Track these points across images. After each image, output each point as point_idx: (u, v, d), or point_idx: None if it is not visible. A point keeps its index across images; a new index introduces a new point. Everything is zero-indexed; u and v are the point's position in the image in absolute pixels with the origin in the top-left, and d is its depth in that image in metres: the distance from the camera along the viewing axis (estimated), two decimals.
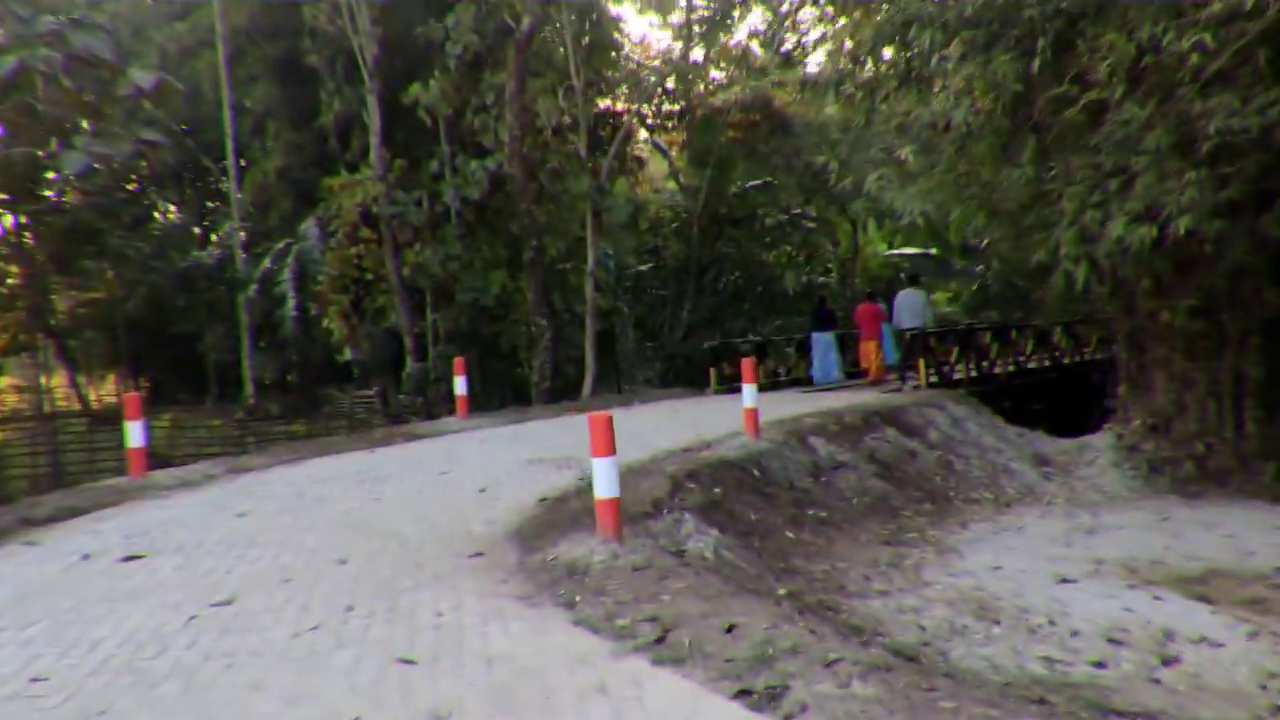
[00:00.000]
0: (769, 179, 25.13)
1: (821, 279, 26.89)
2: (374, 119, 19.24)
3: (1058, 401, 17.98)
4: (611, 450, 6.50)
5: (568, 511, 7.85)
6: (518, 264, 20.18)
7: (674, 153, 28.70)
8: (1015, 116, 10.59)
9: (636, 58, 25.45)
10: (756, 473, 10.10)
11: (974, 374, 17.32)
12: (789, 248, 26.04)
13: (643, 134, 27.02)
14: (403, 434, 13.65)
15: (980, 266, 35.32)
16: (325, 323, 20.62)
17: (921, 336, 16.75)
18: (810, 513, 9.71)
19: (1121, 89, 8.77)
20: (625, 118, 22.04)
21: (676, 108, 29.72)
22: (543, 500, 8.44)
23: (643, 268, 24.58)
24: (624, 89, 24.63)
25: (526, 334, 19.67)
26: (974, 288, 30.83)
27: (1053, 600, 6.84)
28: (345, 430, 18.41)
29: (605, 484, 6.45)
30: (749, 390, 11.12)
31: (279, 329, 22.35)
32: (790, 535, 8.76)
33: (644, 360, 24.05)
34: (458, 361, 14.79)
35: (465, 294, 18.93)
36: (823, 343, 20.05)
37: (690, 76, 24.48)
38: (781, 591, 6.22)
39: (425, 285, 19.29)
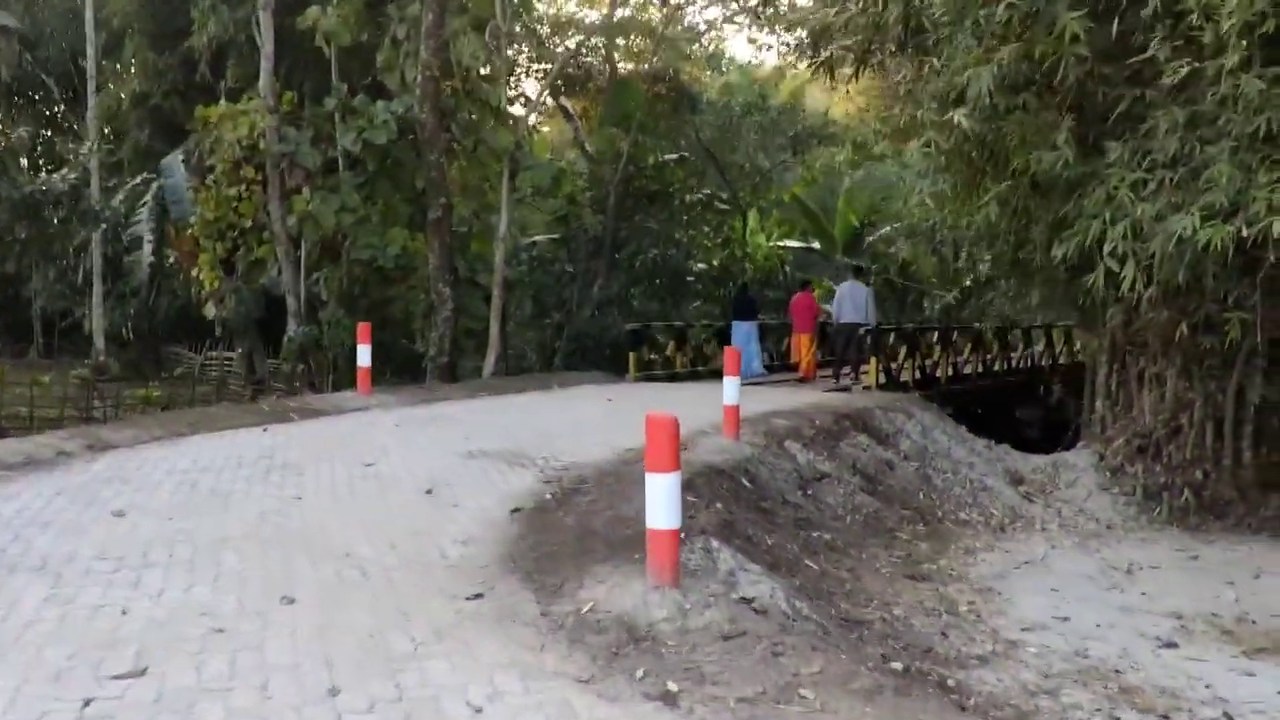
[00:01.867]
0: (684, 154, 23.76)
1: (747, 265, 25.71)
2: (266, 39, 16.84)
3: (1006, 410, 17.24)
4: (675, 464, 4.91)
5: (561, 531, 6.23)
6: (419, 223, 18.15)
7: (581, 119, 27.03)
8: (1052, 89, 9.40)
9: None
10: (748, 484, 8.66)
11: (919, 377, 16.35)
12: (706, 229, 24.73)
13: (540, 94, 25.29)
14: (295, 409, 11.61)
15: (859, 263, 34.98)
16: (195, 272, 18.09)
17: (876, 334, 15.64)
18: (815, 535, 8.33)
19: (1238, 57, 7.65)
20: (548, 71, 20.18)
21: (593, 68, 28.13)
22: (516, 511, 6.80)
23: (538, 237, 22.78)
24: (544, 41, 22.84)
25: (426, 302, 17.67)
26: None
27: (1187, 677, 5.64)
28: (213, 399, 16.06)
29: (665, 509, 4.85)
30: (731, 384, 9.66)
31: (129, 276, 19.60)
32: (811, 565, 7.34)
33: (545, 339, 22.33)
34: (362, 328, 12.81)
35: (361, 251, 16.80)
36: (743, 332, 18.81)
37: (611, 38, 22.86)
38: (897, 666, 4.76)
39: (313, 238, 17.06)
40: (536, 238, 22.95)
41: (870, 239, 36.92)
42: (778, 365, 19.92)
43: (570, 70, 23.61)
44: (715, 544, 6.24)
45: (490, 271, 19.41)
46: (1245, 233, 7.84)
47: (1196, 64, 8.06)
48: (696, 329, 19.54)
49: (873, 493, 10.19)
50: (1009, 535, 10.16)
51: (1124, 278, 8.94)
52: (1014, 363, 19.75)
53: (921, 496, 10.79)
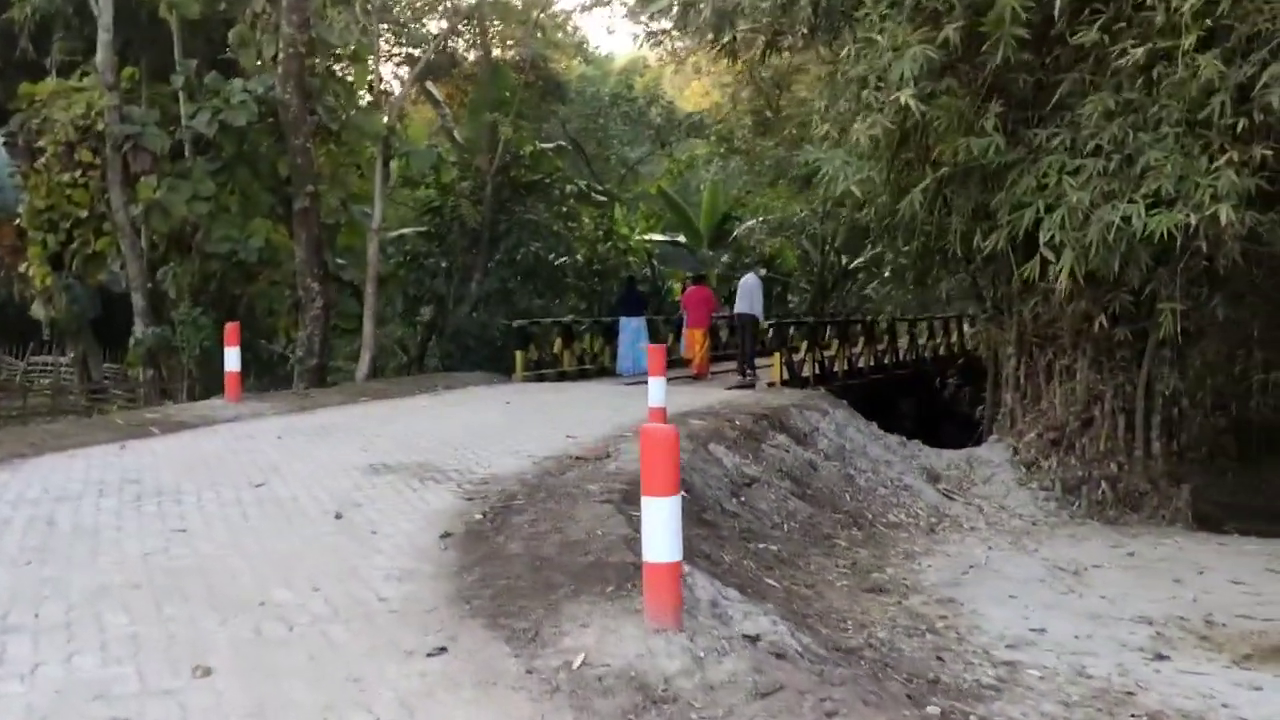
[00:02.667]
0: (562, 143, 22.99)
1: (631, 259, 25.06)
2: (104, 9, 15.17)
3: (902, 402, 17.14)
4: (674, 487, 4.19)
5: (509, 560, 5.45)
6: (282, 214, 16.80)
7: (448, 106, 25.90)
8: (972, 75, 9.10)
9: None
10: (684, 493, 7.97)
11: (818, 372, 16.06)
12: (587, 221, 23.97)
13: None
14: (155, 422, 10.34)
15: (725, 256, 34.86)
16: (25, 267, 16.22)
17: (780, 328, 15.25)
18: (761, 546, 7.77)
19: (1191, 39, 7.43)
20: (421, 53, 19.06)
21: (457, 53, 27.03)
22: (447, 536, 5.97)
23: (406, 230, 21.58)
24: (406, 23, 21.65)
25: (292, 299, 16.36)
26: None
27: (1198, 694, 5.29)
28: (49, 411, 14.39)
29: (665, 539, 4.13)
30: (657, 385, 8.98)
31: None
32: (772, 584, 6.77)
33: (418, 338, 21.18)
34: (230, 328, 11.59)
35: (218, 244, 15.35)
36: (631, 329, 18.24)
37: (485, 22, 21.88)
38: (934, 711, 4.18)
39: (161, 230, 15.51)
40: (404, 230, 21.75)
41: (736, 232, 36.99)
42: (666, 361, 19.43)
43: (435, 55, 22.45)
44: (686, 568, 5.56)
45: (360, 266, 18.20)
46: (1193, 221, 7.65)
47: (1148, 46, 7.81)
48: (584, 326, 18.80)
49: (802, 496, 9.72)
50: (941, 537, 9.85)
51: (1060, 267, 8.69)
52: (901, 355, 19.78)
53: (849, 498, 10.38)
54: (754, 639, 4.44)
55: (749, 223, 35.78)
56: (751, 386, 14.94)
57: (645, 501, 4.18)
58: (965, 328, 24.35)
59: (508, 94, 21.35)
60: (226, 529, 6.02)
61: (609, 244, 23.39)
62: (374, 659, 4.01)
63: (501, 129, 19.19)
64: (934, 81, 9.49)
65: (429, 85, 25.16)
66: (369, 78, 17.93)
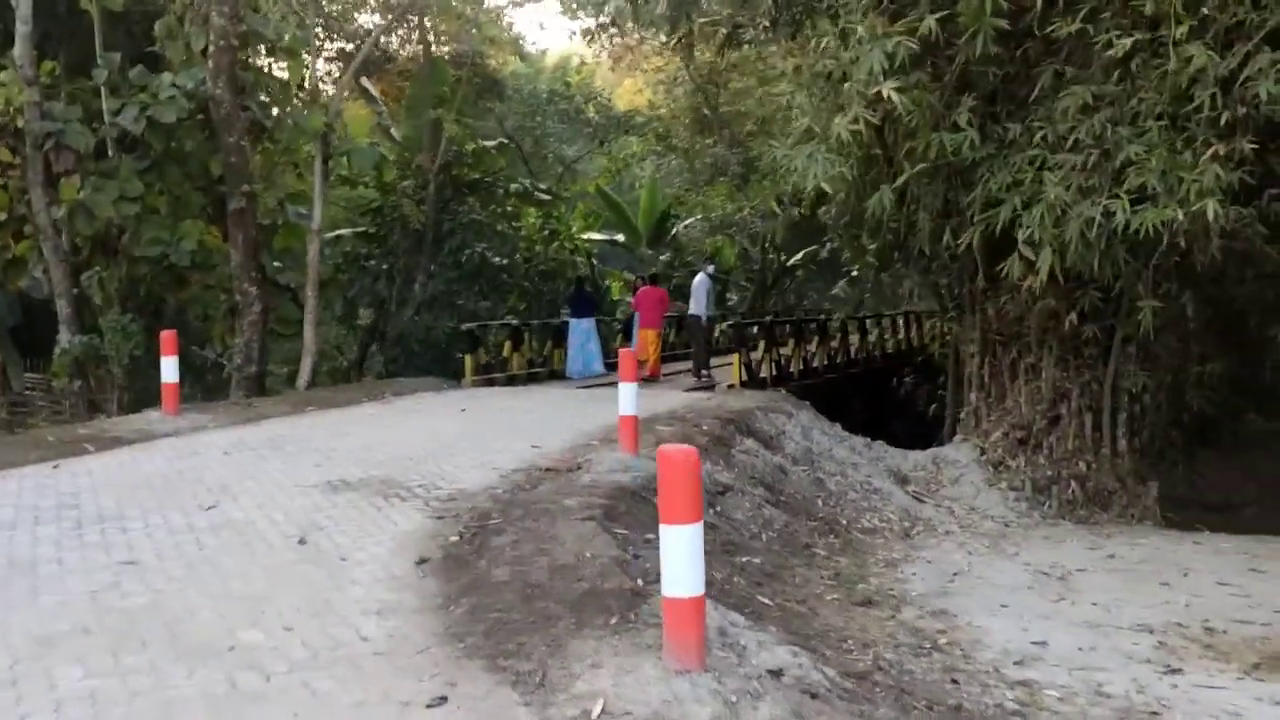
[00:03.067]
0: (503, 140, 22.49)
1: (578, 260, 24.59)
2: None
3: (858, 402, 16.98)
4: (697, 513, 3.85)
5: (497, 589, 5.10)
6: (215, 215, 16.09)
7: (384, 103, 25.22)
8: (952, 68, 8.90)
9: None
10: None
11: (775, 372, 15.83)
12: (532, 220, 23.47)
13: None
14: (89, 438, 9.72)
15: (663, 255, 34.57)
16: None
17: (740, 327, 14.97)
18: (744, 559, 7.45)
19: (1184, 29, 7.28)
20: (355, 48, 18.43)
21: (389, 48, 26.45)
22: (424, 563, 5.57)
23: (343, 231, 20.89)
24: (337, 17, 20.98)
25: (228, 303, 15.67)
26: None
27: (1224, 713, 5.11)
28: None
29: (687, 571, 3.79)
30: (627, 391, 8.61)
31: None
32: (766, 601, 6.47)
33: (358, 342, 20.54)
34: (166, 336, 10.95)
35: (148, 247, 14.60)
36: (581, 331, 17.87)
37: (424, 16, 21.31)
38: None
39: (86, 232, 14.71)
40: (341, 231, 21.05)
41: (675, 230, 36.78)
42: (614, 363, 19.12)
43: (372, 50, 21.83)
44: None
45: (298, 269, 17.56)
46: (1180, 216, 7.52)
47: (1135, 36, 7.65)
48: (533, 328, 18.35)
49: (777, 504, 9.45)
50: (918, 542, 9.66)
51: (1039, 264, 8.53)
52: (854, 354, 19.66)
53: (821, 504, 10.14)
54: (777, 674, 4.12)
55: (687, 221, 35.63)
56: (711, 388, 14.67)
57: (665, 531, 3.83)
58: (917, 325, 24.46)
59: (446, 90, 20.79)
60: (181, 560, 5.54)
61: (555, 244, 22.93)
62: (366, 713, 3.61)
63: (446, 125, 18.65)
64: (904, 76, 9.26)
65: (365, 82, 24.48)
66: (304, 73, 17.26)
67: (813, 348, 17.53)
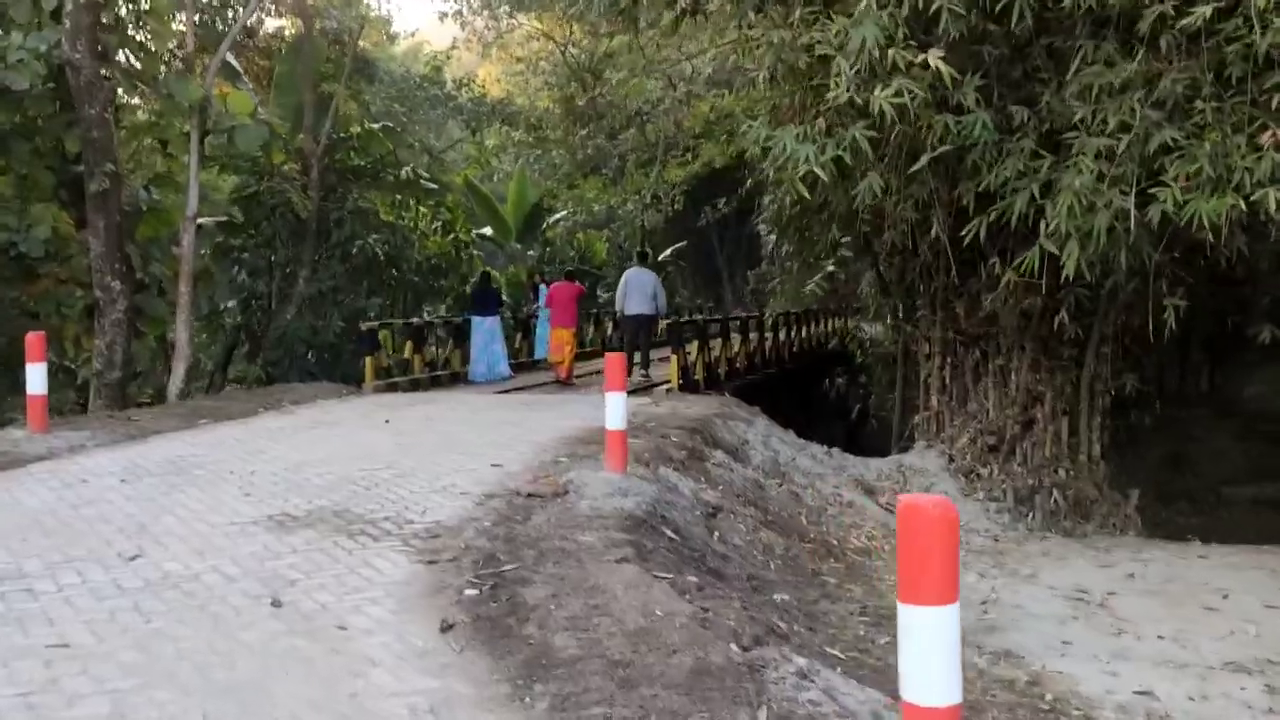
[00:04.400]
0: (388, 124, 20.91)
1: (474, 253, 23.13)
2: None
3: (787, 405, 16.26)
4: (953, 590, 2.86)
5: (566, 665, 4.05)
6: (70, 198, 14.20)
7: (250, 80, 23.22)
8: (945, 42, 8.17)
9: None
10: (673, 535, 6.68)
11: (705, 374, 14.95)
12: (424, 211, 21.98)
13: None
14: None
15: (532, 251, 33.42)
16: None
17: (677, 329, 14.02)
18: (778, 598, 6.53)
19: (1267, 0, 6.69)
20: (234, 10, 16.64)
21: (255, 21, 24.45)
22: (450, 630, 4.45)
23: (205, 219, 18.94)
24: None
25: (86, 300, 13.81)
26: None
27: None
28: None
29: (943, 673, 2.83)
30: (615, 402, 7.53)
31: None
32: (838, 654, 5.55)
33: (225, 343, 18.69)
34: (32, 340, 9.26)
35: None
36: (485, 330, 16.65)
37: None
38: None
39: None
40: (203, 220, 19.07)
41: (546, 225, 35.69)
42: (517, 364, 17.95)
43: (246, 17, 19.93)
44: (805, 662, 4.26)
45: (165, 260, 15.74)
46: (1244, 206, 6.96)
47: (1215, 5, 7.02)
48: (434, 327, 16.97)
49: (767, 524, 8.56)
50: None
51: (1066, 258, 7.88)
52: (777, 353, 19.01)
53: (804, 521, 9.31)
54: None
55: (557, 215, 34.57)
56: (650, 389, 13.69)
57: (910, 614, 2.84)
58: (819, 324, 24.12)
59: (329, 66, 19.17)
60: (128, 639, 4.23)
61: (450, 237, 21.53)
62: None
63: (341, 103, 17.11)
64: (898, 52, 8.49)
65: (228, 57, 22.47)
66: (174, 38, 15.45)
67: (736, 348, 16.76)
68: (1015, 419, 11.09)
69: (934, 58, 7.49)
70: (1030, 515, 10.43)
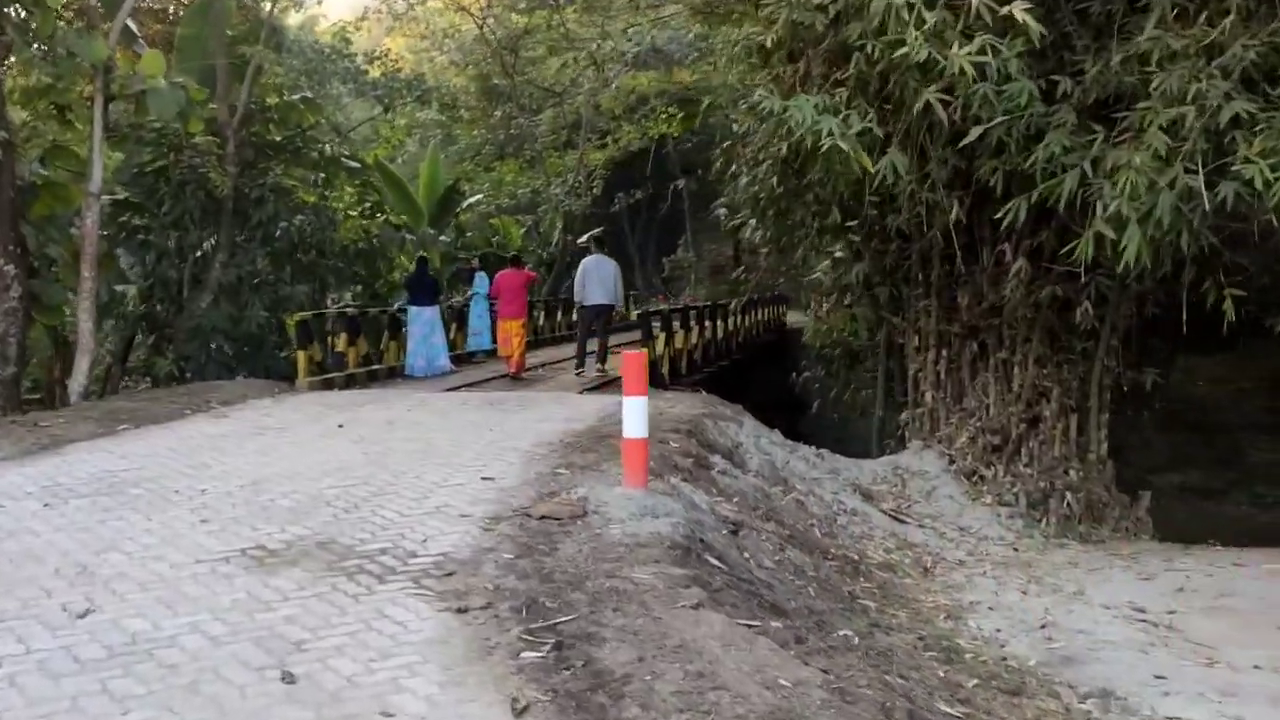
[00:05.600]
0: (308, 95, 19.49)
1: (406, 236, 21.76)
2: None
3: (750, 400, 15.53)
4: None
5: None
6: None
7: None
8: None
9: None
10: (719, 563, 5.84)
11: (670, 367, 14.10)
12: (349, 191, 20.61)
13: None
14: None
15: (444, 236, 32.06)
16: None
17: (645, 320, 13.11)
18: (841, 635, 5.75)
19: None
20: None
21: None
22: (524, 712, 3.51)
23: (117, 195, 17.31)
24: None
25: None
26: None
27: None
28: None
29: None
30: (636, 407, 6.63)
31: None
32: (951, 712, 4.78)
33: (123, 334, 17.14)
34: None
35: None
36: (424, 321, 15.57)
37: None
38: None
39: None
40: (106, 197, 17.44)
41: (459, 210, 34.36)
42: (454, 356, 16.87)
43: None
44: None
45: (63, 241, 14.26)
46: None
47: None
48: (368, 318, 15.76)
49: (789, 540, 7.78)
50: (947, 579, 8.30)
51: (1126, 242, 7.24)
52: (720, 344, 18.28)
53: (820, 534, 8.58)
54: None
55: (472, 198, 33.34)
56: (606, 384, 12.82)
57: None
58: (771, 311, 23.48)
59: (243, 29, 17.72)
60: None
61: (381, 219, 20.25)
62: None
63: (255, 65, 15.71)
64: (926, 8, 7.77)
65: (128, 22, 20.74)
66: None
67: (695, 339, 15.97)
68: (1020, 416, 10.54)
69: (1019, 10, 6.76)
70: (1044, 520, 9.88)
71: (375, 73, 30.80)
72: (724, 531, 6.97)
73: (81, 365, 13.02)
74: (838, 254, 11.83)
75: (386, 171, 33.04)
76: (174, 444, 8.53)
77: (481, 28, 36.12)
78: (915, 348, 11.68)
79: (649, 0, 32.73)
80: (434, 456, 8.03)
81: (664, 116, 36.38)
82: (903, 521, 9.78)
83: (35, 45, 13.01)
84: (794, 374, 16.54)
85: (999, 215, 8.30)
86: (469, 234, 32.35)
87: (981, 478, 10.42)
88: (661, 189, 44.37)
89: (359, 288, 20.22)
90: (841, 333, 15.45)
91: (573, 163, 36.28)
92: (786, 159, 11.13)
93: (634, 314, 23.66)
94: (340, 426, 9.49)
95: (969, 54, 6.87)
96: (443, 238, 32.77)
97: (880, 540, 9.05)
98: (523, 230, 35.86)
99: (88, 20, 13.09)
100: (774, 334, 27.92)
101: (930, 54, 6.99)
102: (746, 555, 6.79)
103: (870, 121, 7.66)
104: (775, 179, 10.75)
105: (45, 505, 6.31)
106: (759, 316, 25.74)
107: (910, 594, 7.68)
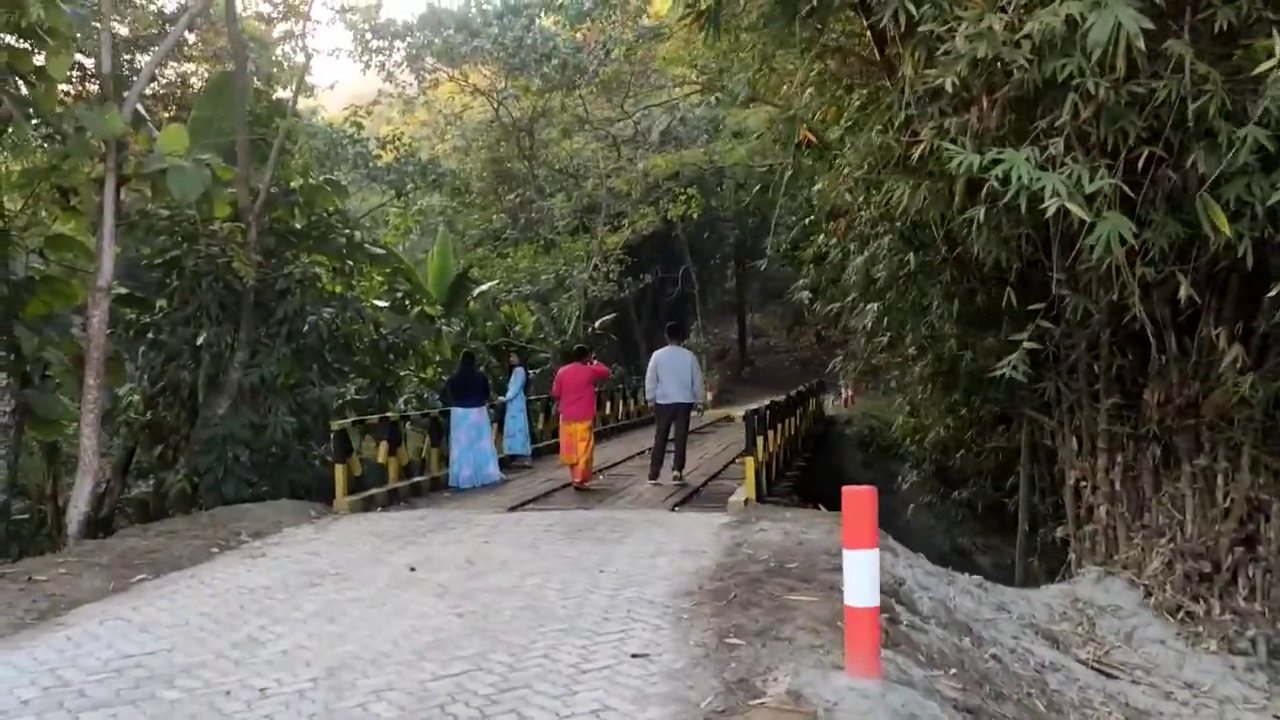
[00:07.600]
0: (333, 178, 18.05)
1: (443, 327, 20.06)
2: None
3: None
4: None
5: None
6: None
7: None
8: None
9: None
10: None
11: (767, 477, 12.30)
12: (378, 281, 19.01)
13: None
14: None
15: (448, 326, 30.36)
16: None
17: (752, 420, 11.34)
18: None
19: None
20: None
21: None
22: None
23: (123, 290, 15.66)
24: None
25: None
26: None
27: None
28: None
29: None
30: (863, 563, 4.87)
31: None
32: None
33: (125, 448, 15.35)
34: None
35: None
36: (470, 425, 13.86)
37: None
38: None
39: None
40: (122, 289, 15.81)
41: (471, 297, 32.81)
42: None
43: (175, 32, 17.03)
44: None
45: (62, 343, 12.54)
46: None
47: None
48: (410, 422, 14.01)
49: None
50: None
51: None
52: (796, 440, 16.55)
53: (1042, 707, 6.68)
54: None
55: (484, 286, 31.80)
56: (689, 496, 11.07)
57: None
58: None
59: (264, 110, 16.29)
60: None
61: (416, 311, 18.61)
62: None
63: (280, 144, 14.24)
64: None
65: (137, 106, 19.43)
66: (72, 62, 12.48)
67: (777, 439, 14.18)
68: (1231, 537, 8.74)
69: None
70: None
71: (388, 157, 29.78)
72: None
73: (83, 489, 11.23)
74: (988, 342, 10.09)
75: (398, 258, 31.64)
76: (207, 605, 6.71)
77: (497, 109, 35.23)
78: (1075, 451, 9.93)
79: (658, 81, 31.91)
80: (550, 619, 6.22)
81: (682, 198, 35.38)
82: (1113, 677, 7.91)
83: (36, 122, 11.53)
84: (896, 479, 14.81)
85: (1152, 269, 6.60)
86: (489, 323, 30.68)
87: (1190, 615, 8.61)
88: (669, 273, 43.33)
89: (364, 381, 18.38)
90: (948, 430, 13.72)
91: (586, 247, 35.04)
92: (913, 231, 9.62)
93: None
94: (412, 569, 7.66)
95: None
96: (448, 328, 31.09)
97: (1103, 708, 7.18)
98: (535, 318, 34.31)
99: (100, 90, 11.57)
100: (822, 425, 26.28)
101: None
102: None
103: (1104, 179, 6.05)
104: (902, 256, 9.13)
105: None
106: (810, 408, 24.06)
107: None
